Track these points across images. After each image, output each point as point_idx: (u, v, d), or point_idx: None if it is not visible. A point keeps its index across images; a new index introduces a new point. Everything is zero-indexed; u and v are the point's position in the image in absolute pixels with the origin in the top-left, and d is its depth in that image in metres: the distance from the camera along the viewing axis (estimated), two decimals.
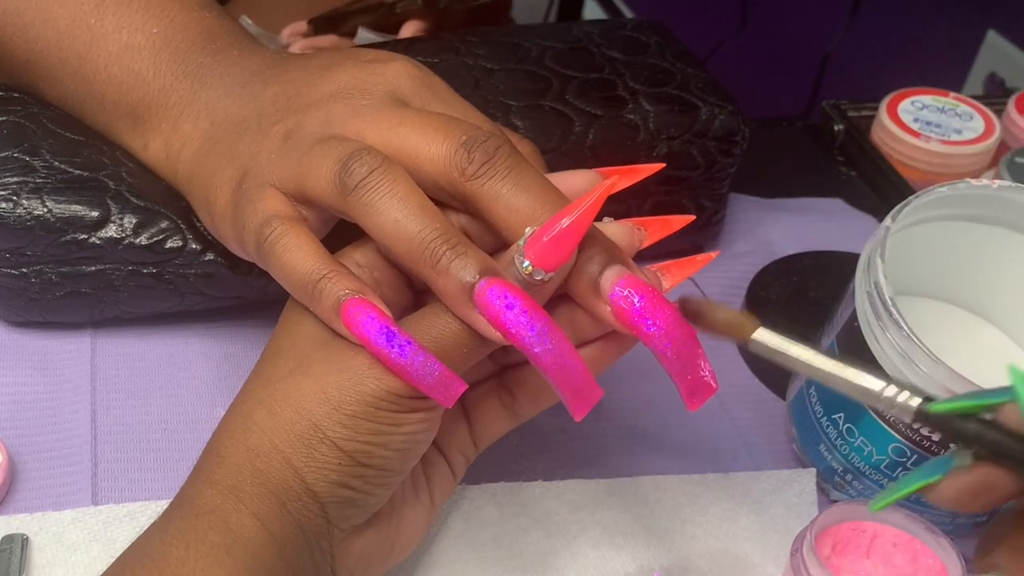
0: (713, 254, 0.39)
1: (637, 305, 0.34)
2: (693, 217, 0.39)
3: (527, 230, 0.34)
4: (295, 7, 0.74)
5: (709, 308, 0.35)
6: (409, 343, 0.33)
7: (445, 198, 0.35)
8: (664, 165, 0.39)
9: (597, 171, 0.39)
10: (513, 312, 0.33)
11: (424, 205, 0.34)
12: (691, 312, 0.35)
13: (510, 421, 0.41)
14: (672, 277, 0.37)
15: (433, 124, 0.36)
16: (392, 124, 0.36)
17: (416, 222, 0.34)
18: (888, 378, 0.32)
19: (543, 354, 0.33)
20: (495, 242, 0.36)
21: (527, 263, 0.33)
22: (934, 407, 0.31)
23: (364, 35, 0.69)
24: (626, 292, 0.34)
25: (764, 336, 0.34)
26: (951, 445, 0.32)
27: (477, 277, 0.33)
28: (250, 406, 0.35)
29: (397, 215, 0.34)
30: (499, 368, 0.40)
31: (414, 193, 0.34)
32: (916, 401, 0.32)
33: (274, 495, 0.34)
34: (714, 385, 0.35)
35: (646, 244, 0.38)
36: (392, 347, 0.33)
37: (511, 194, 0.34)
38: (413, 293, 0.38)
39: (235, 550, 0.32)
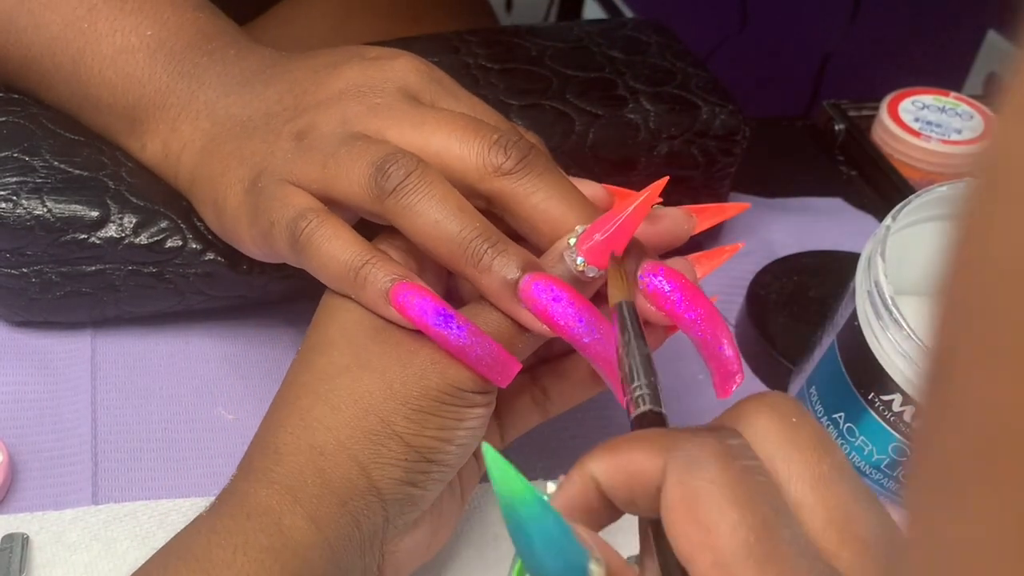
0: (740, 244, 0.40)
1: (673, 294, 0.35)
2: (748, 205, 0.40)
3: (577, 228, 0.35)
4: (327, 30, 0.73)
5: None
6: (466, 324, 0.34)
7: (468, 197, 0.36)
8: (666, 180, 0.39)
9: (604, 187, 0.39)
10: (560, 305, 0.34)
11: (462, 206, 0.35)
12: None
13: (539, 416, 0.41)
14: (702, 267, 0.38)
15: (459, 123, 0.36)
16: (414, 123, 0.36)
17: (456, 223, 0.34)
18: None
19: (592, 344, 0.34)
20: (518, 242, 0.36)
21: (580, 260, 0.34)
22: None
23: None
24: (657, 279, 0.35)
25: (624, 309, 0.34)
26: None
27: (520, 273, 0.34)
28: (309, 401, 0.35)
29: (437, 216, 0.34)
30: (531, 364, 0.41)
31: (452, 194, 0.35)
32: None
33: (335, 495, 0.34)
34: (738, 370, 0.37)
35: (696, 231, 0.39)
36: (450, 329, 0.34)
37: (547, 190, 0.35)
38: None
39: (284, 555, 0.32)
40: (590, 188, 0.38)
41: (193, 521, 0.33)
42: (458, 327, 0.34)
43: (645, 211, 0.35)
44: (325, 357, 0.35)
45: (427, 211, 0.34)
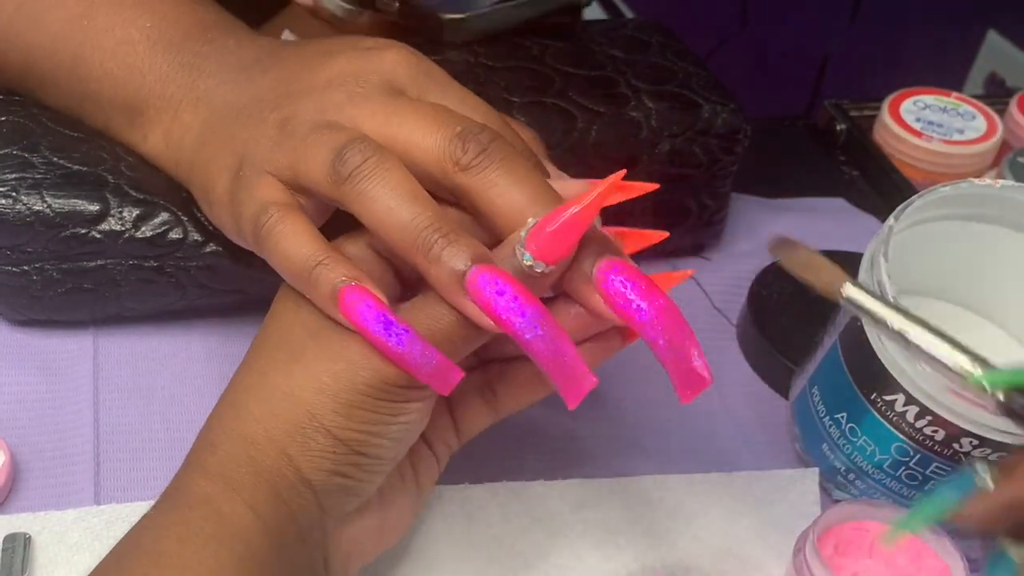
0: (689, 271, 0.39)
1: (628, 292, 0.33)
2: (667, 234, 0.38)
3: (529, 221, 0.33)
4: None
5: (793, 249, 0.33)
6: (406, 331, 0.33)
7: (438, 190, 0.35)
8: (657, 186, 0.38)
9: (589, 181, 0.38)
10: (504, 298, 0.32)
11: (417, 193, 0.34)
12: (778, 248, 0.33)
13: (491, 417, 0.41)
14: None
15: (427, 114, 0.36)
16: (387, 114, 0.36)
17: (408, 210, 0.34)
18: (980, 362, 0.30)
19: (534, 340, 0.33)
20: (487, 238, 0.35)
21: (527, 255, 0.33)
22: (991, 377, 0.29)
23: (288, 35, 0.68)
24: (617, 279, 0.34)
25: (852, 292, 0.32)
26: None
27: (469, 265, 0.33)
28: (243, 396, 0.35)
29: (390, 203, 0.34)
30: (480, 363, 0.40)
31: (407, 181, 0.34)
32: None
33: (268, 484, 0.34)
34: (707, 377, 0.34)
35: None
36: (390, 336, 0.33)
37: (505, 183, 0.34)
38: (401, 286, 0.38)
39: (229, 541, 0.32)
40: (575, 187, 0.37)
41: (141, 518, 0.34)
42: (397, 334, 0.33)
43: (598, 207, 0.33)
44: (264, 356, 0.36)
45: (380, 197, 0.34)
